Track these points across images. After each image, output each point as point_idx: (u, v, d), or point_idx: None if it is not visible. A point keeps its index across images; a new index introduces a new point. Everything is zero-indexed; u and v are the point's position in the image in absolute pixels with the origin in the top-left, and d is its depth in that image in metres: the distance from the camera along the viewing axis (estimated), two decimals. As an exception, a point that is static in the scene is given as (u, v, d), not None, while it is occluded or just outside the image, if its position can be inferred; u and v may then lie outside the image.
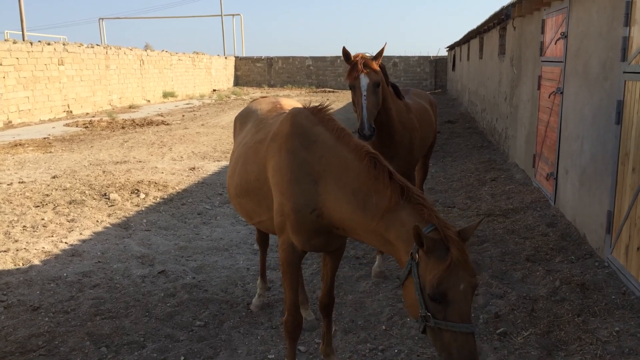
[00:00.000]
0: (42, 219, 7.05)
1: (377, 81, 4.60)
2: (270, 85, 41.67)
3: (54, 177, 9.34)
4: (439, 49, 43.09)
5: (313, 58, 41.54)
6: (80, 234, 6.56)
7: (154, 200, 8.04)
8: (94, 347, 4.00)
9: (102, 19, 48.08)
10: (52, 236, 6.46)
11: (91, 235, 6.53)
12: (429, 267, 2.44)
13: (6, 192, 8.29)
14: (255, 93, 35.29)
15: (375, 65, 4.64)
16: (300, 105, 3.71)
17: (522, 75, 10.17)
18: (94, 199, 7.99)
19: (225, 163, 11.09)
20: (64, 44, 21.44)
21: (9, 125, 17.68)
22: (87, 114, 21.87)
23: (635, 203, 4.70)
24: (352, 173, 2.92)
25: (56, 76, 20.61)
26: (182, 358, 3.86)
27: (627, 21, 5.08)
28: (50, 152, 12.38)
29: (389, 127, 4.85)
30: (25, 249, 6.02)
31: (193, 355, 3.90)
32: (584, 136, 6.30)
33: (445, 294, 2.40)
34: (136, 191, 8.37)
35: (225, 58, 41.11)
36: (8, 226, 6.77)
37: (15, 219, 7.06)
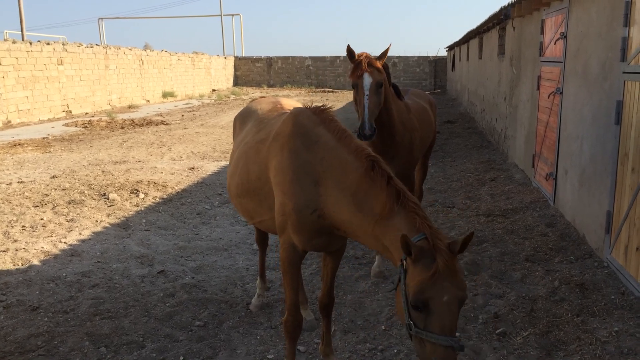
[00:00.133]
0: (42, 219, 7.04)
1: (380, 81, 4.59)
2: (270, 85, 41.67)
3: (53, 177, 9.34)
4: (438, 49, 43.15)
5: (312, 58, 41.54)
6: (80, 234, 6.56)
7: (153, 200, 8.04)
8: (93, 347, 4.00)
9: (102, 18, 48.08)
10: (51, 236, 6.46)
11: (90, 235, 6.53)
12: (414, 275, 2.42)
13: (5, 192, 8.29)
14: (254, 93, 35.29)
15: (379, 65, 4.63)
16: (300, 105, 3.71)
17: (522, 76, 10.17)
18: (93, 198, 7.99)
19: (224, 163, 11.09)
20: (63, 44, 21.42)
21: (8, 125, 17.67)
22: (87, 113, 21.86)
23: (634, 203, 4.70)
24: (351, 175, 2.91)
25: (55, 76, 20.59)
26: (182, 358, 3.86)
27: (627, 21, 5.08)
28: (50, 152, 12.37)
29: (390, 127, 4.85)
30: (24, 249, 6.01)
31: (192, 355, 3.90)
32: (583, 136, 6.30)
33: (426, 303, 2.37)
34: (135, 191, 8.37)
35: (225, 58, 41.10)
36: (7, 226, 6.77)
37: (15, 218, 7.05)
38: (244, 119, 4.23)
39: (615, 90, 5.29)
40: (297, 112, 3.35)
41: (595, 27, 6.07)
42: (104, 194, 8.15)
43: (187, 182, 9.25)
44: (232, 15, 49.97)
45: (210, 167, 10.56)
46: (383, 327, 4.26)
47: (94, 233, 6.59)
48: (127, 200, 7.99)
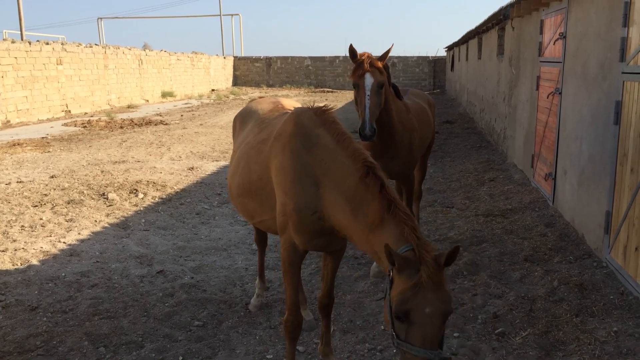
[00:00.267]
0: (41, 219, 7.04)
1: (382, 82, 4.57)
2: (269, 85, 41.67)
3: (52, 177, 9.33)
4: (437, 49, 43.17)
5: (312, 58, 41.55)
6: (79, 233, 6.56)
7: (152, 200, 8.03)
8: (92, 347, 4.00)
9: (101, 18, 48.07)
10: (51, 236, 6.45)
11: (89, 235, 6.53)
12: (398, 285, 2.41)
13: (4, 192, 8.28)
14: (254, 93, 35.29)
15: (380, 65, 4.62)
16: (299, 105, 3.71)
17: (521, 76, 10.18)
18: (93, 198, 7.99)
19: (223, 163, 11.08)
20: (62, 44, 21.41)
21: (7, 124, 17.65)
22: (86, 113, 21.85)
23: (633, 203, 4.70)
24: (348, 180, 2.90)
25: (54, 76, 20.58)
26: (181, 358, 3.86)
27: (626, 22, 5.09)
28: (49, 151, 12.36)
29: (390, 128, 4.85)
30: (23, 248, 6.01)
31: (191, 355, 3.90)
32: (582, 136, 6.30)
33: (408, 314, 2.34)
34: (134, 191, 8.36)
35: (224, 58, 41.10)
36: (6, 226, 6.76)
37: (14, 218, 7.05)
38: (244, 119, 4.23)
39: (614, 91, 5.29)
40: (298, 112, 3.35)
41: (594, 27, 6.07)
42: (103, 194, 8.15)
43: (186, 182, 9.25)
44: (232, 15, 50.00)
45: (210, 167, 10.56)
46: (382, 327, 4.26)
47: (93, 233, 6.59)
48: (126, 200, 7.99)
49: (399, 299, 2.36)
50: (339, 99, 28.56)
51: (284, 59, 42.03)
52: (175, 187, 8.80)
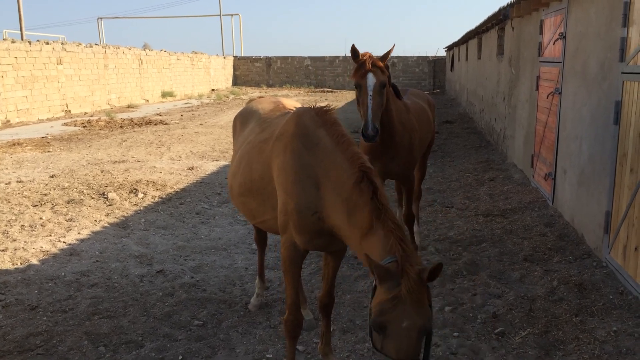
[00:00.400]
0: (41, 218, 7.04)
1: (384, 82, 4.55)
2: (269, 85, 41.67)
3: (52, 177, 9.33)
4: (437, 49, 43.11)
5: (312, 58, 41.55)
6: (79, 233, 6.56)
7: (152, 200, 8.04)
8: (92, 346, 4.00)
9: (101, 18, 48.06)
10: (50, 235, 6.45)
11: (89, 234, 6.53)
12: (378, 295, 2.40)
13: (4, 192, 8.28)
14: (253, 93, 35.29)
15: (382, 66, 4.61)
16: (300, 105, 3.71)
17: (521, 76, 10.18)
18: (92, 198, 7.99)
19: (223, 162, 11.09)
20: (62, 44, 21.41)
21: (7, 124, 17.65)
22: (86, 113, 21.85)
23: (633, 203, 4.71)
24: (345, 183, 2.89)
25: (54, 75, 20.58)
26: (180, 357, 3.86)
27: (626, 22, 5.09)
28: (49, 151, 12.36)
29: (390, 128, 4.84)
30: (23, 248, 6.01)
31: (191, 355, 3.90)
32: (582, 136, 6.31)
33: (384, 326, 2.33)
34: (134, 191, 8.37)
35: (224, 58, 41.10)
36: (6, 225, 6.76)
37: (14, 218, 7.05)
38: (245, 118, 4.23)
39: (614, 91, 5.30)
40: (300, 112, 3.36)
41: (594, 27, 6.07)
42: (103, 194, 8.15)
43: (186, 181, 9.25)
44: (232, 15, 49.99)
45: (209, 167, 10.56)
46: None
47: (93, 232, 6.59)
48: (126, 199, 7.99)
49: (377, 310, 2.36)
50: (338, 99, 28.56)
51: (284, 59, 42.03)
52: (175, 187, 8.80)
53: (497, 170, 10.01)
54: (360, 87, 4.54)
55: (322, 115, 3.25)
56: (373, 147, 4.80)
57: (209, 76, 37.46)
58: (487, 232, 6.45)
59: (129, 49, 26.55)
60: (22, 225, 6.78)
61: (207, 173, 9.99)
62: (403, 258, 2.43)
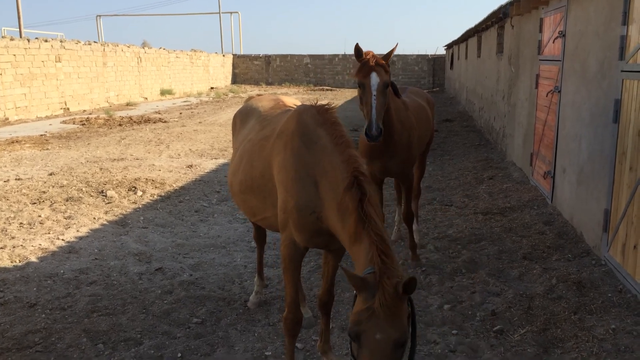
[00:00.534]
0: (39, 216, 7.03)
1: (387, 81, 4.51)
2: (268, 83, 41.65)
3: (50, 174, 9.32)
4: (437, 48, 43.21)
5: (311, 56, 41.52)
6: (77, 231, 6.55)
7: (151, 198, 8.03)
8: (90, 343, 3.99)
9: (100, 16, 47.97)
10: (49, 233, 6.45)
11: (88, 232, 6.52)
12: (356, 305, 2.42)
13: (3, 189, 8.27)
14: (253, 91, 35.26)
15: (386, 65, 4.58)
16: (300, 103, 3.70)
17: (520, 74, 10.18)
18: (91, 196, 7.98)
19: (222, 161, 11.08)
20: (61, 41, 21.38)
21: (5, 122, 17.63)
22: (84, 111, 21.83)
23: (632, 202, 4.71)
24: (339, 186, 2.87)
25: (53, 73, 20.55)
26: (179, 355, 3.86)
27: (625, 20, 5.09)
28: (47, 149, 12.35)
29: (388, 126, 4.82)
30: (21, 245, 6.01)
31: (190, 352, 3.90)
32: (581, 135, 6.31)
33: (358, 336, 2.35)
34: (133, 188, 8.36)
35: (223, 56, 41.06)
36: (4, 223, 6.75)
37: (12, 215, 7.04)
38: (245, 116, 4.22)
39: (613, 89, 5.29)
40: (301, 109, 3.35)
41: (593, 25, 6.07)
42: (102, 191, 8.14)
43: (185, 179, 9.24)
44: (231, 12, 49.93)
45: (209, 165, 10.55)
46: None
47: (91, 230, 6.59)
48: (124, 197, 7.98)
49: (353, 319, 2.38)
50: (338, 97, 28.54)
51: (283, 57, 41.99)
52: (174, 185, 8.79)
53: (497, 169, 10.01)
54: (363, 86, 4.49)
55: (323, 113, 3.23)
56: (372, 145, 4.78)
57: (208, 74, 37.43)
58: (486, 231, 6.46)
59: (128, 46, 26.52)
60: (21, 223, 6.77)
61: (206, 171, 9.98)
62: (381, 270, 2.41)
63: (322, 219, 3.01)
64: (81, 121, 17.67)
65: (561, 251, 5.71)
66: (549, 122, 7.80)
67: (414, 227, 5.89)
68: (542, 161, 8.14)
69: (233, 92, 33.16)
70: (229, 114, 19.46)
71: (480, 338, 4.04)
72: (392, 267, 2.45)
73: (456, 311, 4.46)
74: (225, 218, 7.25)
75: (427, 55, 38.90)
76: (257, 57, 42.56)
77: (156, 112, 21.34)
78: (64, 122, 17.89)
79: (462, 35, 21.95)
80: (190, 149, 12.44)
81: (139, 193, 8.17)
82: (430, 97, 6.52)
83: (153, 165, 10.26)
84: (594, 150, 5.83)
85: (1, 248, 5.90)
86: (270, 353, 3.90)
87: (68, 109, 21.34)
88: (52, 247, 5.98)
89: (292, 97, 4.49)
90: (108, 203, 7.68)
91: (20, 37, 22.05)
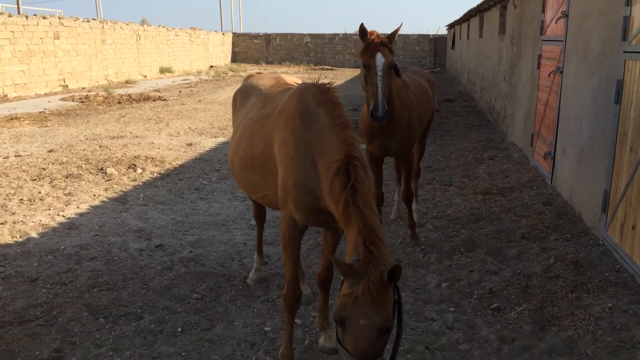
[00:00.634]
0: (39, 192, 7.04)
1: (392, 62, 4.47)
2: (268, 62, 41.37)
3: (50, 151, 9.31)
4: (438, 28, 42.83)
5: (312, 35, 41.18)
6: (78, 207, 6.57)
7: (150, 176, 8.03)
8: (91, 317, 4.03)
9: (98, -8, 47.36)
10: (49, 209, 6.46)
11: (88, 209, 6.54)
12: (343, 289, 2.44)
13: (2, 166, 8.27)
14: (252, 70, 35.02)
15: (390, 45, 4.54)
16: (301, 82, 3.68)
17: (522, 54, 10.11)
18: (91, 173, 7.98)
19: (222, 139, 11.06)
20: (59, 18, 21.17)
21: (4, 98, 17.54)
22: (83, 88, 21.71)
23: (632, 182, 4.72)
24: (334, 166, 2.85)
25: (52, 50, 20.39)
26: (179, 329, 3.90)
27: (628, 0, 5.04)
28: (47, 126, 12.31)
29: (389, 106, 4.80)
30: (22, 221, 6.02)
31: (190, 327, 3.94)
32: (582, 116, 6.29)
33: (343, 321, 2.37)
34: (133, 166, 8.36)
35: (223, 34, 40.71)
36: (5, 199, 6.77)
37: (12, 192, 7.05)
38: (246, 94, 4.20)
39: (615, 70, 5.26)
40: (303, 88, 3.33)
41: (596, 6, 6.01)
42: (102, 169, 8.14)
43: (185, 157, 9.23)
44: (231, -10, 49.34)
45: (208, 143, 10.53)
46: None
47: (91, 207, 6.60)
48: (124, 175, 7.99)
49: (338, 303, 2.40)
50: (338, 77, 28.37)
51: (284, 35, 41.65)
52: (174, 163, 8.79)
53: (497, 149, 10.00)
54: (368, 67, 4.44)
55: (324, 92, 3.21)
56: (372, 125, 4.77)
57: (208, 52, 37.14)
58: (485, 210, 6.48)
59: (127, 24, 26.27)
60: (21, 199, 6.78)
61: (205, 149, 9.97)
62: (366, 259, 2.43)
63: (320, 198, 3.01)
64: (80, 98, 17.58)
65: (560, 231, 5.74)
66: (550, 103, 7.77)
67: (413, 206, 5.91)
68: (542, 142, 8.13)
69: (233, 71, 32.96)
70: (228, 93, 19.37)
71: (478, 315, 4.08)
72: (378, 255, 2.46)
73: (454, 289, 4.49)
74: (224, 196, 7.27)
75: (429, 35, 38.60)
76: (257, 36, 42.21)
77: (155, 90, 21.23)
78: (63, 99, 17.80)
79: (464, 15, 21.75)
80: (189, 127, 12.41)
81: (139, 171, 8.17)
82: (431, 76, 6.49)
83: (153, 143, 10.25)
84: (595, 131, 5.82)
85: (2, 224, 5.92)
86: (269, 328, 3.94)
87: (67, 86, 21.23)
88: (53, 223, 6.00)
89: (293, 76, 4.46)
90: (108, 180, 7.69)
91: (19, 13, 21.85)
